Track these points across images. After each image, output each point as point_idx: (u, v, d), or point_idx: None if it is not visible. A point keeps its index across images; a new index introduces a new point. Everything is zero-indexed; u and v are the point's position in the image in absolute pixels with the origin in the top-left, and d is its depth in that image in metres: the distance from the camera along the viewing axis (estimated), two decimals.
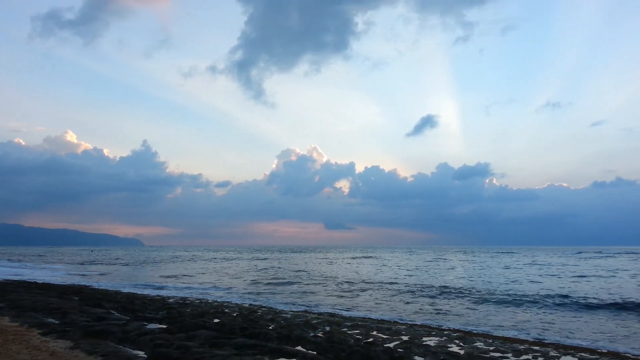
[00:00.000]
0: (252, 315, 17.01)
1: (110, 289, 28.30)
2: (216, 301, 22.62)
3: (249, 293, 28.14)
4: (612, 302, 22.10)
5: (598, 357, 12.00)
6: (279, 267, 53.86)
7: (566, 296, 24.15)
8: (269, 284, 33.73)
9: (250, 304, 21.95)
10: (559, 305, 21.91)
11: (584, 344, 14.35)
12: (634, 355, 12.82)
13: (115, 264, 66.72)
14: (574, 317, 19.37)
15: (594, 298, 23.48)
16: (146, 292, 27.10)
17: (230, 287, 31.35)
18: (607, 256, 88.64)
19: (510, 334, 15.91)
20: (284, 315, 17.62)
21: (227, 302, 22.63)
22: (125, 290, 27.79)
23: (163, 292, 27.24)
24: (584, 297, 23.90)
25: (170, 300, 22.00)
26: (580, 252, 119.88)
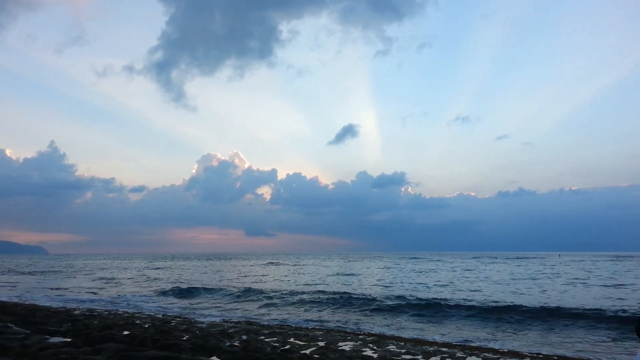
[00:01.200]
0: (165, 326, 16.40)
1: (9, 300, 26.08)
2: (127, 312, 21.59)
3: (162, 303, 27.14)
4: (510, 305, 23.69)
5: (500, 356, 12.84)
6: (195, 275, 52.45)
7: (470, 301, 25.53)
8: (184, 292, 32.75)
9: (163, 315, 21.16)
10: (464, 308, 23.08)
11: (488, 344, 15.32)
12: (530, 352, 13.88)
13: (16, 273, 61.57)
14: (476, 319, 20.56)
15: (494, 302, 24.99)
16: (49, 303, 25.27)
17: (143, 297, 30.06)
18: (502, 262, 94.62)
19: (420, 336, 16.63)
20: (199, 325, 17.19)
21: (139, 312, 21.67)
22: (26, 301, 25.74)
23: (68, 304, 25.53)
24: (486, 301, 25.39)
25: (76, 311, 20.67)
26: (477, 257, 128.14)
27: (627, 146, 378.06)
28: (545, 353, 13.92)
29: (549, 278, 42.94)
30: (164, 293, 32.87)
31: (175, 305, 25.85)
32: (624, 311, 20.50)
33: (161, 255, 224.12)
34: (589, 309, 20.97)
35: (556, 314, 20.67)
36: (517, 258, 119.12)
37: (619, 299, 25.85)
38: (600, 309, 20.86)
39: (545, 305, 22.65)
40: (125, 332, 14.31)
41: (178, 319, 19.03)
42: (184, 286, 37.23)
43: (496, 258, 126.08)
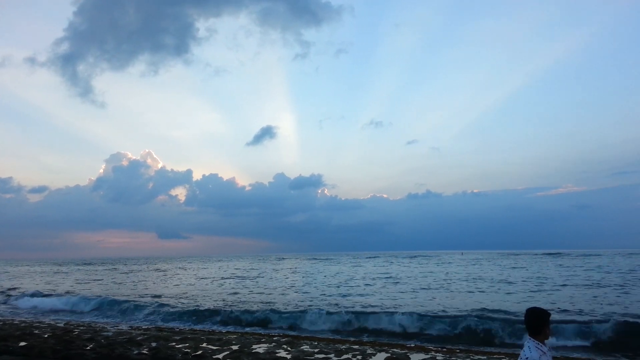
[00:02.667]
0: (67, 335, 15.42)
1: None
2: (24, 321, 20.02)
3: (65, 311, 25.46)
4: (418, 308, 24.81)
5: (407, 351, 13.48)
6: (101, 281, 49.62)
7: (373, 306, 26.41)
8: (88, 299, 30.85)
9: (65, 323, 19.87)
10: (366, 307, 23.78)
11: (393, 340, 16.04)
12: (435, 347, 14.72)
13: None
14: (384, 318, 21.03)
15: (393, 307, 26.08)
16: None
17: (43, 305, 27.97)
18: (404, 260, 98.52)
19: (334, 335, 17.05)
20: (104, 333, 16.34)
21: (38, 322, 20.18)
22: None
23: None
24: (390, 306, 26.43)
25: None
26: (374, 257, 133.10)
27: (522, 152, 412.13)
28: (449, 347, 14.84)
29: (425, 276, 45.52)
30: (67, 299, 30.73)
31: (80, 313, 24.39)
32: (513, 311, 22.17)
33: (63, 260, 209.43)
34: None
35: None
36: (417, 257, 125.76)
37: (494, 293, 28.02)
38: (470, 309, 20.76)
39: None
40: (22, 343, 13.30)
41: (82, 328, 17.97)
42: (89, 292, 35.11)
43: (396, 256, 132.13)
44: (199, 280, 45.71)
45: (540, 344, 4.20)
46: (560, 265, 61.77)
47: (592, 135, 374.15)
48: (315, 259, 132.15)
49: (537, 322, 4.25)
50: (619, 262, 66.83)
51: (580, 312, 19.23)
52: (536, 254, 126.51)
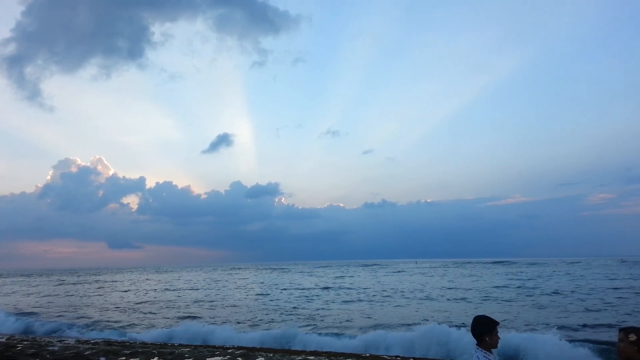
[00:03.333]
0: (9, 351, 14.66)
1: None
2: None
3: (7, 324, 24.21)
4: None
5: None
6: (46, 293, 47.54)
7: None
8: (32, 312, 29.50)
9: (7, 338, 18.89)
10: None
11: (349, 350, 16.12)
12: (389, 356, 14.90)
13: None
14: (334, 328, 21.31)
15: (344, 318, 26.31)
16: None
17: None
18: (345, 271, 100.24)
19: (288, 346, 16.98)
20: (50, 347, 15.64)
21: None
22: None
23: None
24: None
25: None
26: (326, 267, 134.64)
27: (473, 163, 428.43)
28: (403, 355, 15.05)
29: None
30: (10, 313, 29.23)
31: (23, 326, 23.21)
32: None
33: (4, 271, 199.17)
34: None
35: None
36: (372, 265, 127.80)
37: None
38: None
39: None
40: None
41: (25, 342, 17.12)
42: (35, 305, 33.56)
43: (348, 265, 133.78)
44: (147, 293, 44.54)
45: (488, 353, 4.11)
46: (505, 273, 64.06)
47: (539, 147, 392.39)
48: (271, 268, 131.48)
49: (481, 330, 4.16)
50: (561, 270, 69.83)
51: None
52: (486, 262, 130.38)
